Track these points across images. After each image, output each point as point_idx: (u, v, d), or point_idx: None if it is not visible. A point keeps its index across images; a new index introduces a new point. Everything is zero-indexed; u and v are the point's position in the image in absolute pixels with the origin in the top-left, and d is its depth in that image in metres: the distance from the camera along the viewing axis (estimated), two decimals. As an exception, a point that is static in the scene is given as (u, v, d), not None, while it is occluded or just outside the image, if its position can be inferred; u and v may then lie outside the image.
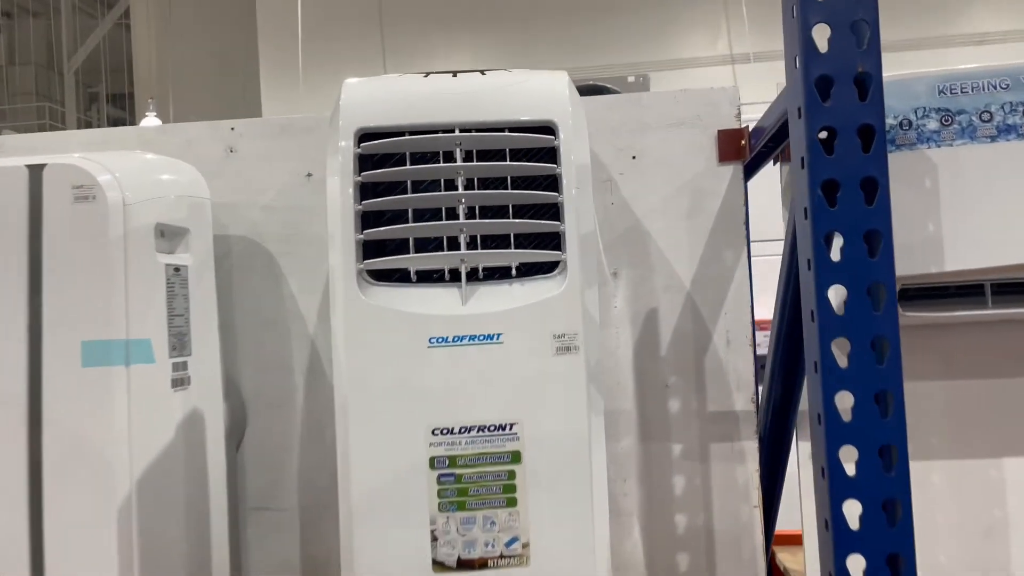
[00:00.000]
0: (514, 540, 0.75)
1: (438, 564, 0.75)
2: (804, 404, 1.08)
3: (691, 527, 1.08)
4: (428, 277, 0.78)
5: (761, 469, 1.08)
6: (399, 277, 0.78)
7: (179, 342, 0.95)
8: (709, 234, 1.08)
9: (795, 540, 1.39)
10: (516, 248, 0.79)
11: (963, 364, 1.04)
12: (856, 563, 0.70)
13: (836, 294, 0.71)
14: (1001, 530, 1.05)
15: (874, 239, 0.70)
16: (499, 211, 0.79)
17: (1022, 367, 1.04)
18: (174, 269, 0.95)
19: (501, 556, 0.75)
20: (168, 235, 0.95)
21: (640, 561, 1.09)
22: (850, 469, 0.70)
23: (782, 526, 1.17)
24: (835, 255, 0.71)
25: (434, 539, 0.75)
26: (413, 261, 0.78)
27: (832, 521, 0.71)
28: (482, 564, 0.75)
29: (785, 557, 1.29)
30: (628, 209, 1.09)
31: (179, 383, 0.95)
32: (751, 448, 1.08)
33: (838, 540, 0.70)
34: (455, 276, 0.78)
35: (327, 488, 1.12)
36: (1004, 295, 0.93)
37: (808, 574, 1.07)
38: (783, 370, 1.10)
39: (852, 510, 0.70)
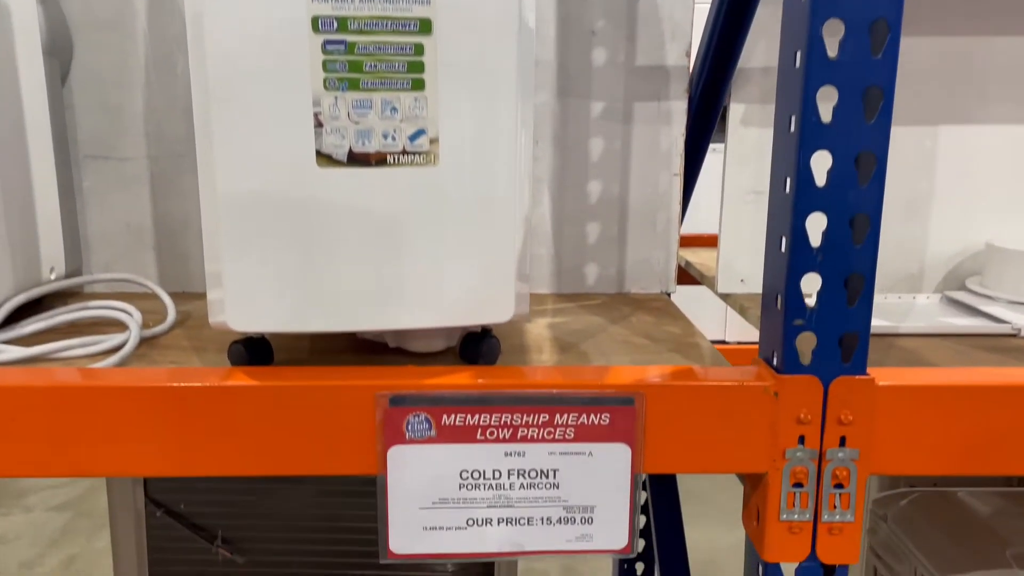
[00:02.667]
0: (420, 133, 0.60)
1: (324, 157, 0.60)
2: (743, 62, 0.96)
3: (605, 196, 0.97)
4: None
5: (687, 134, 0.97)
6: None
7: None
8: None
9: (697, 243, 1.34)
10: None
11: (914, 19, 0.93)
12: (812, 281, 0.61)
13: None
14: (924, 203, 0.99)
15: None
16: None
17: (983, 25, 0.95)
18: None
19: (403, 152, 0.61)
20: None
21: (548, 231, 0.98)
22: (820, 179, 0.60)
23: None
24: None
25: (319, 125, 0.59)
26: None
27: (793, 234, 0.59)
28: (379, 160, 0.60)
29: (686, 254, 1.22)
30: None
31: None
32: (679, 109, 0.96)
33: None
34: None
35: (183, 137, 0.94)
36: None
37: (719, 274, 0.99)
38: (725, 21, 0.96)
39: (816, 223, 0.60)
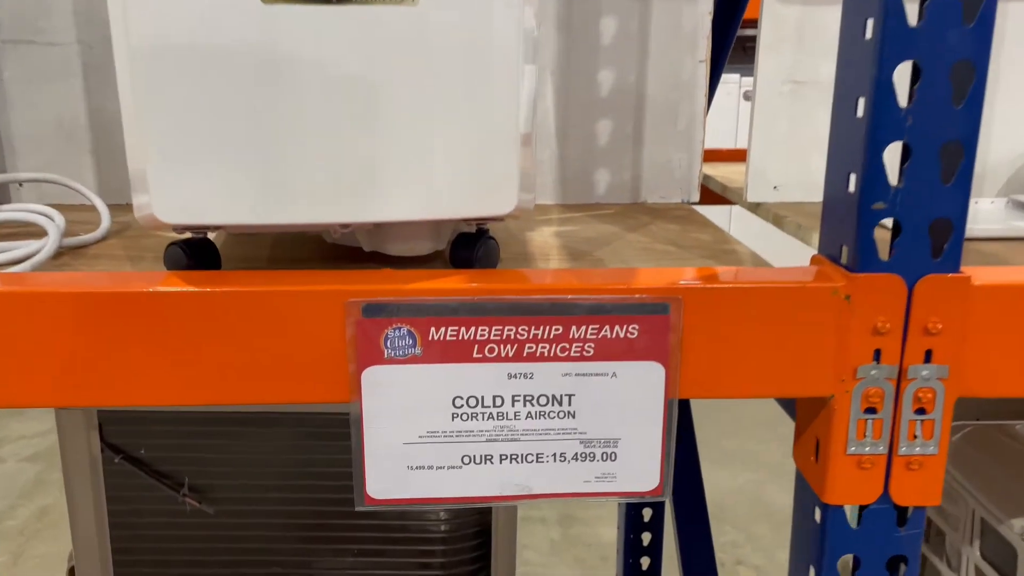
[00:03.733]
0: (396, -39, 0.46)
1: (270, -9, 0.46)
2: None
3: (619, 87, 0.83)
4: None
5: (715, 13, 0.83)
6: None
7: None
8: None
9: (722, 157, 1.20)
10: None
11: None
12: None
13: None
14: (987, 104, 0.86)
15: None
16: None
17: None
18: None
19: (375, -15, 0.47)
20: None
21: (551, 130, 0.84)
22: None
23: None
24: None
25: (262, -53, 0.45)
26: None
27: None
28: (346, -4, 0.47)
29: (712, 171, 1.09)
30: None
31: None
32: (705, -17, 0.81)
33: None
34: None
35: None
36: None
37: (749, 180, 0.86)
38: None
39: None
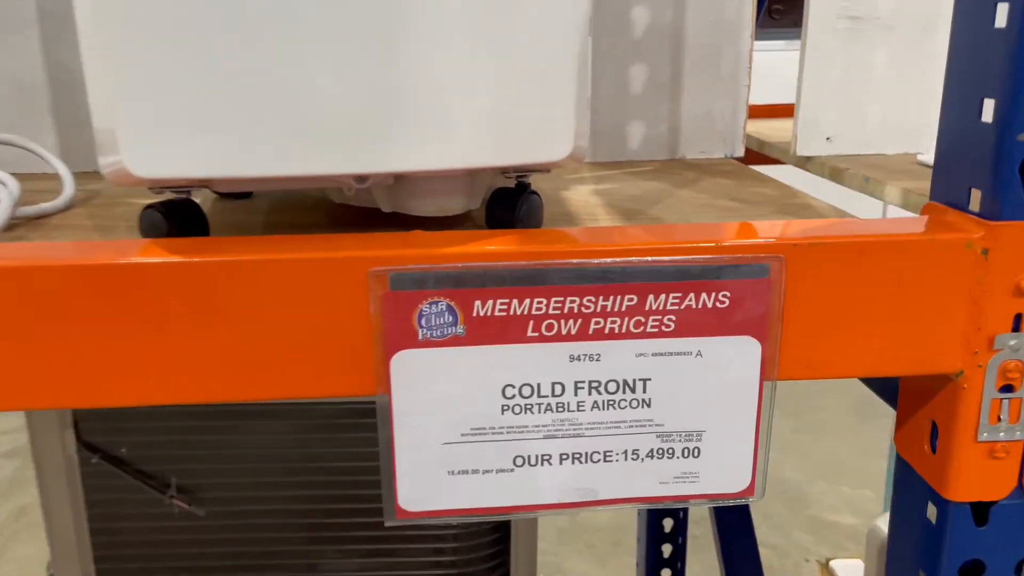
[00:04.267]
0: None
1: None
2: None
3: (654, 27, 0.74)
4: None
5: (762, -61, 0.73)
6: None
7: None
8: None
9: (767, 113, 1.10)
10: None
11: None
12: None
13: None
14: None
15: None
16: None
17: None
18: None
19: None
20: None
21: (577, 77, 0.74)
22: None
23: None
24: None
25: None
26: None
27: None
28: None
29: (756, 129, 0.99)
30: None
31: None
32: (752, -96, 0.71)
33: None
34: None
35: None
36: None
37: (799, 131, 0.76)
38: None
39: None
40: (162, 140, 0.38)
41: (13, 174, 0.57)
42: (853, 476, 2.13)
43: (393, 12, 0.38)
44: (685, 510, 1.24)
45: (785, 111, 0.99)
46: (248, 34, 0.37)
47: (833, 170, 0.73)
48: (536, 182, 0.49)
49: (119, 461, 0.93)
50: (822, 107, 0.76)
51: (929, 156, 0.72)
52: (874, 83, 0.76)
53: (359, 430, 0.90)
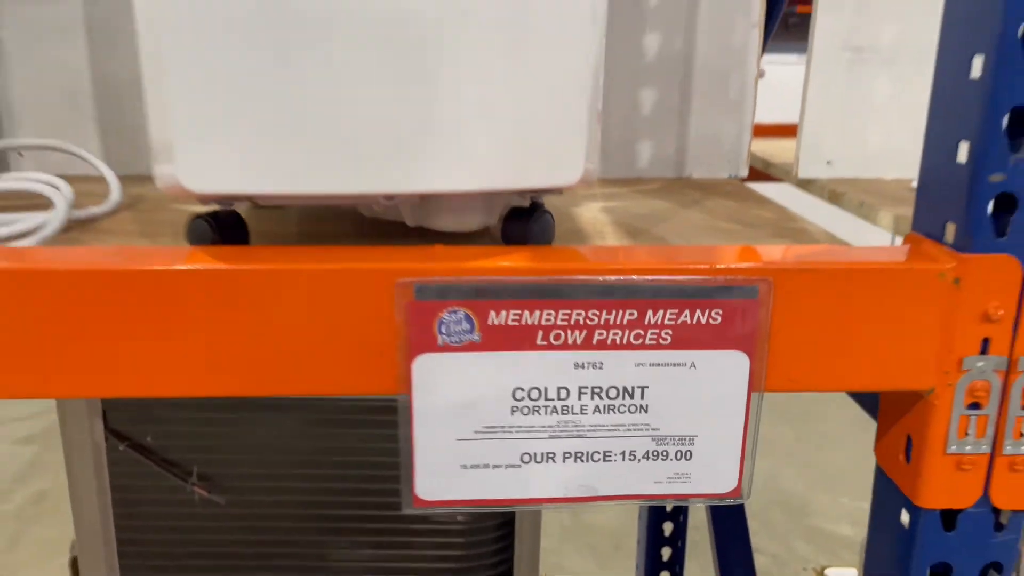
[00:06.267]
0: None
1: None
2: None
3: (665, 52, 0.78)
4: None
5: (769, -27, 0.77)
6: None
7: None
8: None
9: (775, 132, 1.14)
10: None
11: None
12: None
13: None
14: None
15: None
16: None
17: None
18: None
19: (433, -79, 0.41)
20: None
21: (591, 98, 0.78)
22: None
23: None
24: None
25: None
26: None
27: None
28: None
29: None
30: None
31: None
32: (761, -60, 0.75)
33: None
34: None
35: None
36: None
37: (801, 154, 0.80)
38: None
39: None
40: (215, 159, 0.43)
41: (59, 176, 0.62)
42: (853, 487, 2.16)
43: (423, 48, 0.42)
44: (685, 515, 1.28)
45: (791, 131, 1.03)
46: (294, 67, 0.42)
47: (832, 193, 0.77)
48: (549, 198, 0.53)
49: (144, 449, 0.98)
50: (824, 132, 0.80)
51: (923, 183, 0.76)
52: (874, 111, 0.80)
53: (371, 426, 0.95)
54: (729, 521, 1.10)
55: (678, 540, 1.33)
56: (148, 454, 0.98)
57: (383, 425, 0.96)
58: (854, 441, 2.34)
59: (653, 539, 1.32)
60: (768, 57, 0.88)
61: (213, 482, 0.99)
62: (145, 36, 0.43)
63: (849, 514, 2.08)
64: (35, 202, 0.61)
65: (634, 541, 1.40)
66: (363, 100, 0.43)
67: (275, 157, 0.42)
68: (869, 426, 0.55)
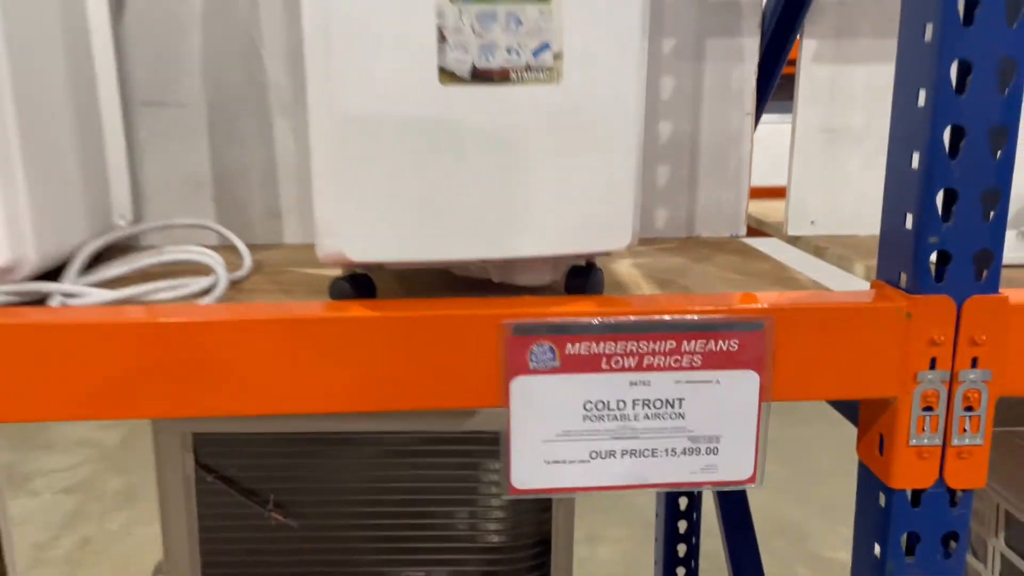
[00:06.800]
0: (544, 48, 0.58)
1: (447, 74, 0.57)
2: (815, -5, 0.94)
3: (676, 136, 0.95)
4: None
5: (758, 70, 0.95)
6: None
7: None
8: None
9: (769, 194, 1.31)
10: None
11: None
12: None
13: None
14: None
15: None
16: None
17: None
18: None
19: (527, 68, 0.58)
20: None
21: (616, 174, 0.96)
22: None
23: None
24: None
25: (442, 39, 0.56)
26: None
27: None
28: (503, 76, 0.58)
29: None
30: None
31: None
32: (751, 46, 0.93)
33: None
34: None
35: (240, 81, 0.90)
36: None
37: (789, 215, 0.97)
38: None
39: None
40: (372, 235, 0.59)
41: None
42: (849, 516, 2.30)
43: (518, 159, 0.59)
44: (698, 517, 1.43)
45: (780, 192, 1.21)
46: (430, 169, 0.58)
47: (816, 248, 0.94)
48: (597, 258, 0.69)
49: (228, 480, 1.12)
50: (807, 197, 0.97)
51: (890, 238, 0.93)
52: (848, 180, 0.97)
53: (428, 456, 1.10)
54: (739, 526, 1.25)
55: (690, 560, 1.47)
56: (231, 484, 1.13)
57: (436, 455, 1.11)
58: (845, 475, 2.48)
59: (669, 561, 1.46)
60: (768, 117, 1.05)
61: (288, 508, 1.14)
62: (318, 137, 0.59)
63: (846, 541, 2.22)
64: (182, 269, 0.77)
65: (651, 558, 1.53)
66: (477, 191, 0.59)
67: (418, 233, 0.59)
68: (856, 461, 0.70)
